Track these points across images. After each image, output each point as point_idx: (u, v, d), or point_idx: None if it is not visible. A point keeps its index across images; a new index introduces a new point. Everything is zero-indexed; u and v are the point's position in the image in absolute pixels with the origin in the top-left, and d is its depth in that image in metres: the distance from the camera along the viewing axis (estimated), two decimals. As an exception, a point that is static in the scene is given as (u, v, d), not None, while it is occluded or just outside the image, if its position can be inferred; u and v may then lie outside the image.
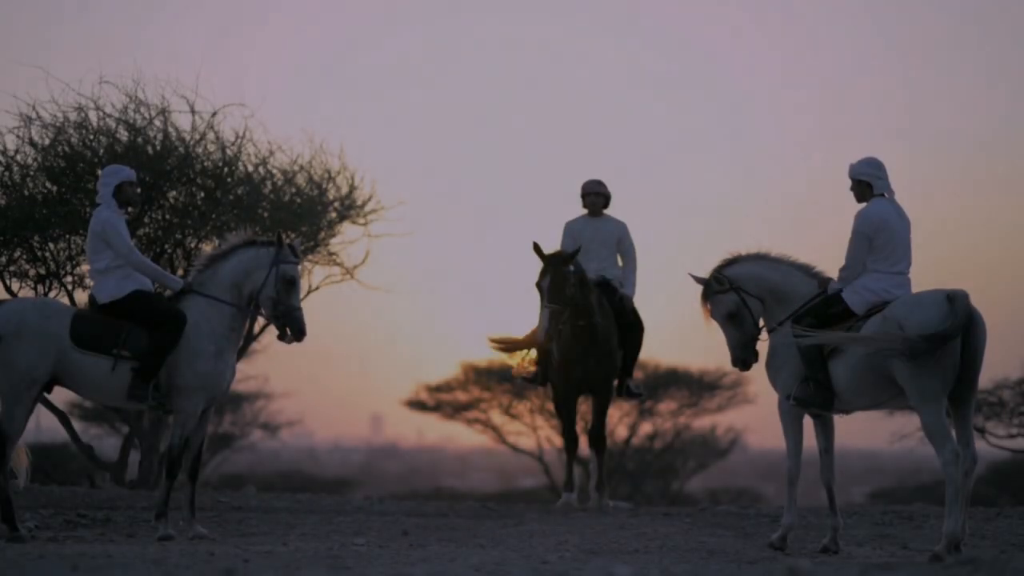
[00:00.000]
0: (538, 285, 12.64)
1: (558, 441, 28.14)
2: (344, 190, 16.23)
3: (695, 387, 29.80)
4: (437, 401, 30.15)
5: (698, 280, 10.34)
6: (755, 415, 31.91)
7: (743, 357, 10.30)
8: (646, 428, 30.23)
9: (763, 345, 10.24)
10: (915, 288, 9.84)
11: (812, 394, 9.78)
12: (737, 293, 10.22)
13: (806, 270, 10.22)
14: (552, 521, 11.96)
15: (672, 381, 29.56)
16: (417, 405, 30.40)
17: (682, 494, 31.64)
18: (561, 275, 12.52)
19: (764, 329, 10.26)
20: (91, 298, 10.59)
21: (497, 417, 29.76)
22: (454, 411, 30.02)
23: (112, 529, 11.06)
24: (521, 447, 29.96)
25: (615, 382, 13.18)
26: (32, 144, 14.92)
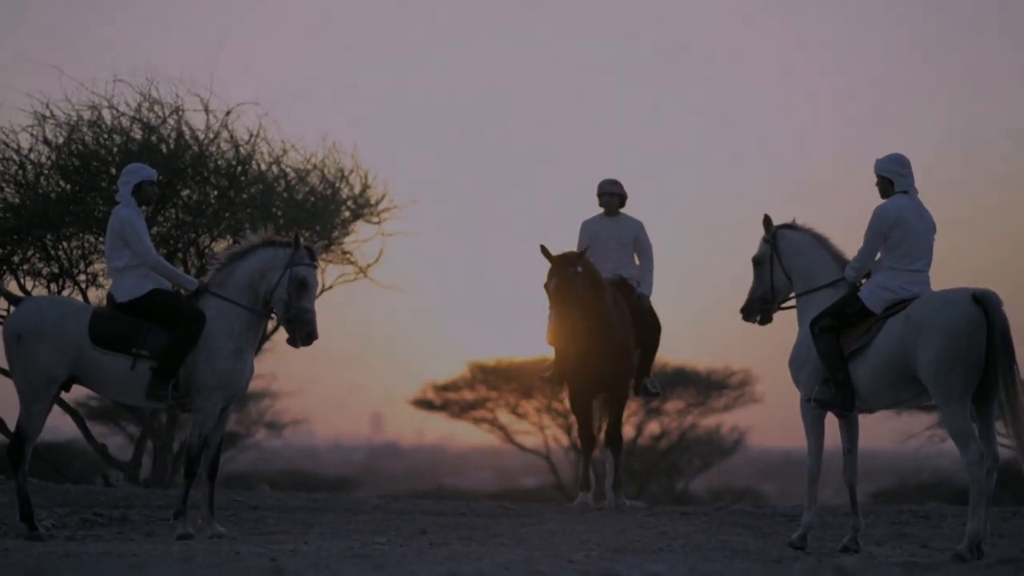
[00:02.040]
0: (546, 287, 12.62)
1: (565, 440, 28.15)
2: (357, 189, 16.24)
3: (703, 386, 29.76)
4: (444, 400, 30.15)
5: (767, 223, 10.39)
6: (759, 414, 31.92)
7: (747, 307, 10.38)
8: (653, 427, 30.21)
9: (787, 342, 10.23)
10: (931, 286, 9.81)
11: (833, 395, 9.73)
12: (773, 251, 10.23)
13: (839, 261, 10.15)
14: (570, 520, 11.95)
15: (680, 380, 29.50)
16: (424, 404, 30.41)
17: (687, 494, 31.60)
18: (568, 276, 12.46)
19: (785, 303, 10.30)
20: (109, 297, 10.54)
21: (504, 416, 29.78)
22: (461, 410, 30.02)
23: (130, 528, 11.05)
24: (528, 446, 29.96)
25: (632, 382, 13.17)
26: (46, 143, 14.91)
